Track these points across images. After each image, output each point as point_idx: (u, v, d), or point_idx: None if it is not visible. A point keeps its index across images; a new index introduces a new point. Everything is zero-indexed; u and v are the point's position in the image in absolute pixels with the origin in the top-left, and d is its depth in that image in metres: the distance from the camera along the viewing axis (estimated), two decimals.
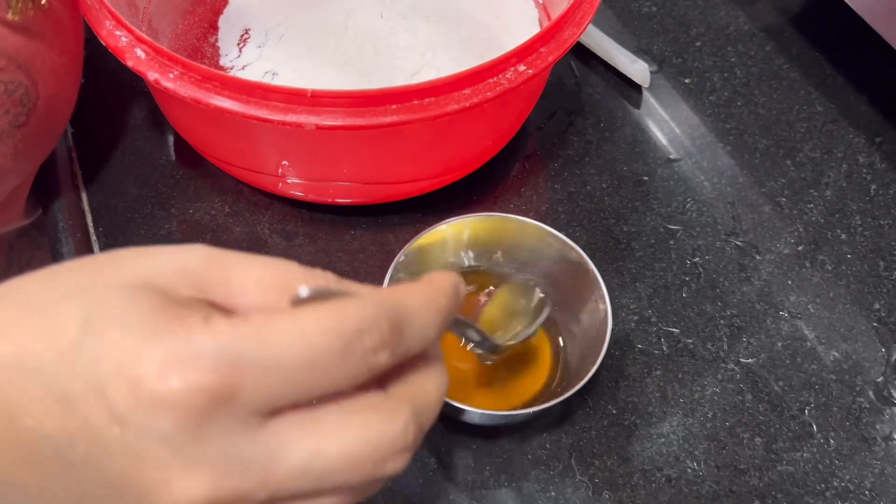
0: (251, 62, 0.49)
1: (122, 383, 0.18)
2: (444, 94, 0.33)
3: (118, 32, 0.37)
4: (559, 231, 0.38)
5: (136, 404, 0.18)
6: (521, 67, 0.37)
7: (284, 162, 0.39)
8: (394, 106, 0.33)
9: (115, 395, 0.18)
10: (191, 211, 0.45)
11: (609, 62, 0.53)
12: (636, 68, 0.51)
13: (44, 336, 0.19)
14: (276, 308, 0.20)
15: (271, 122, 0.33)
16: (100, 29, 0.37)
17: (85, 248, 0.42)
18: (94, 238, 0.43)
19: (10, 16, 0.34)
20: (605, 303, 0.36)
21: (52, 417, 0.19)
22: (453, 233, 0.39)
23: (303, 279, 0.21)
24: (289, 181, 0.41)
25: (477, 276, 0.41)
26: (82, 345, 0.18)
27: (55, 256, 0.42)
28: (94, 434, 0.18)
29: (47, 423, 0.19)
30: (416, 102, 0.33)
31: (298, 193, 0.43)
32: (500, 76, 0.36)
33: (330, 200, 0.43)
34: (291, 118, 0.33)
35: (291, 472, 0.19)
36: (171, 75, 0.35)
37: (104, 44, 0.37)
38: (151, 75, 0.35)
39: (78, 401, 0.18)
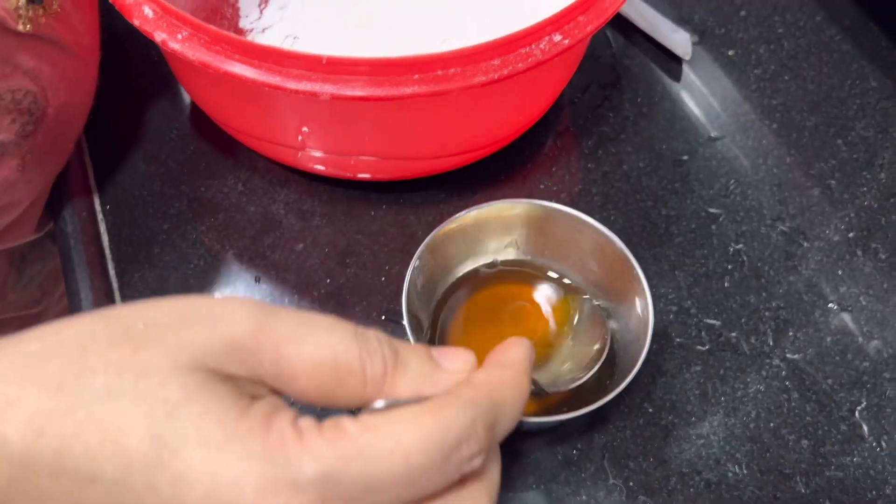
0: (271, 25, 0.46)
1: None
2: (470, 65, 0.30)
3: None
4: (593, 215, 0.36)
5: None
6: (557, 37, 0.34)
7: (305, 129, 0.36)
8: (416, 76, 0.30)
9: None
10: (202, 189, 0.42)
11: (647, 32, 0.49)
12: (677, 39, 0.48)
13: (100, 440, 0.17)
14: (370, 422, 0.19)
15: (284, 89, 0.30)
16: None
17: (91, 229, 0.40)
18: (100, 218, 0.41)
19: (20, 27, 0.32)
20: (645, 299, 0.33)
21: None
22: (480, 221, 0.36)
23: (357, 356, 0.20)
24: (308, 153, 0.39)
25: (510, 275, 0.38)
26: (158, 463, 0.17)
27: (62, 242, 0.40)
28: None
29: None
30: (440, 73, 0.30)
31: (318, 167, 0.40)
32: (532, 46, 0.33)
33: (350, 175, 0.41)
34: (305, 86, 0.30)
35: None
36: (180, 36, 0.32)
37: (109, 1, 0.34)
38: (159, 36, 0.32)
39: None
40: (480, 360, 0.24)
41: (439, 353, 0.22)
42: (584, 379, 0.34)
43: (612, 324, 0.36)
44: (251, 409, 0.18)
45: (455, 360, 0.22)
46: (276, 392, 0.20)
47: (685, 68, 0.49)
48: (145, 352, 0.18)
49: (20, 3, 0.32)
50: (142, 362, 0.18)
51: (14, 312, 0.45)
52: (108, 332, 0.18)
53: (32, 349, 0.18)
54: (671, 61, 0.49)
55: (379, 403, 0.20)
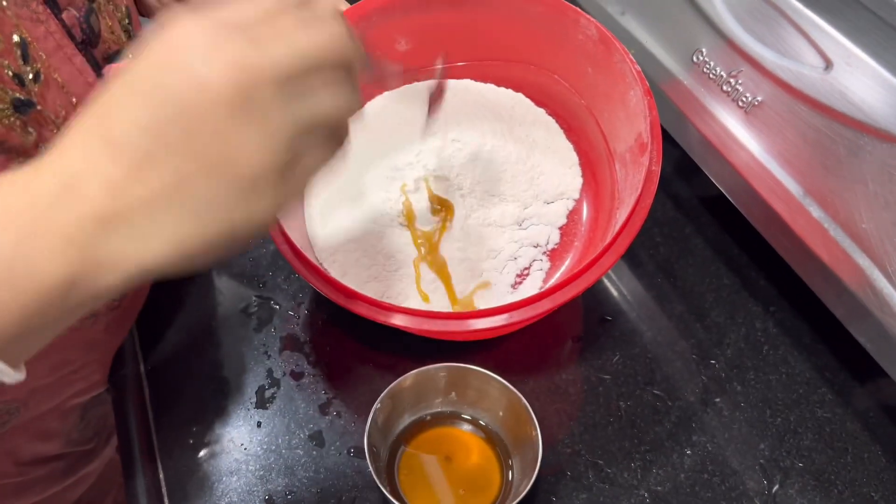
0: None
1: None
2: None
3: None
4: (510, 379, 0.50)
5: None
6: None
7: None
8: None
9: None
10: (219, 356, 0.57)
11: None
12: None
13: None
14: None
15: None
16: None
17: (136, 386, 0.54)
18: (143, 375, 0.55)
19: None
20: (538, 441, 0.47)
21: None
22: (427, 377, 0.51)
23: None
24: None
25: (444, 419, 0.52)
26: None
27: (116, 396, 0.54)
28: None
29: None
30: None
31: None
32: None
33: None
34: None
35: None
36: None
37: None
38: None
39: None
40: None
41: None
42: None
43: (517, 457, 0.49)
44: None
45: None
46: None
47: None
48: None
49: None
50: None
51: (71, 448, 0.58)
52: None
53: None
54: None
55: None
